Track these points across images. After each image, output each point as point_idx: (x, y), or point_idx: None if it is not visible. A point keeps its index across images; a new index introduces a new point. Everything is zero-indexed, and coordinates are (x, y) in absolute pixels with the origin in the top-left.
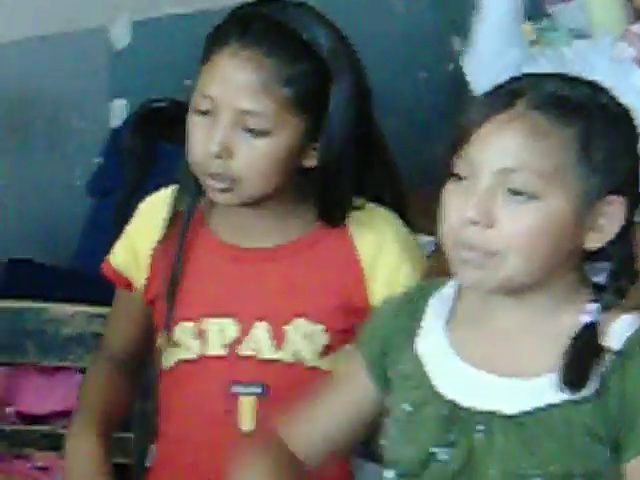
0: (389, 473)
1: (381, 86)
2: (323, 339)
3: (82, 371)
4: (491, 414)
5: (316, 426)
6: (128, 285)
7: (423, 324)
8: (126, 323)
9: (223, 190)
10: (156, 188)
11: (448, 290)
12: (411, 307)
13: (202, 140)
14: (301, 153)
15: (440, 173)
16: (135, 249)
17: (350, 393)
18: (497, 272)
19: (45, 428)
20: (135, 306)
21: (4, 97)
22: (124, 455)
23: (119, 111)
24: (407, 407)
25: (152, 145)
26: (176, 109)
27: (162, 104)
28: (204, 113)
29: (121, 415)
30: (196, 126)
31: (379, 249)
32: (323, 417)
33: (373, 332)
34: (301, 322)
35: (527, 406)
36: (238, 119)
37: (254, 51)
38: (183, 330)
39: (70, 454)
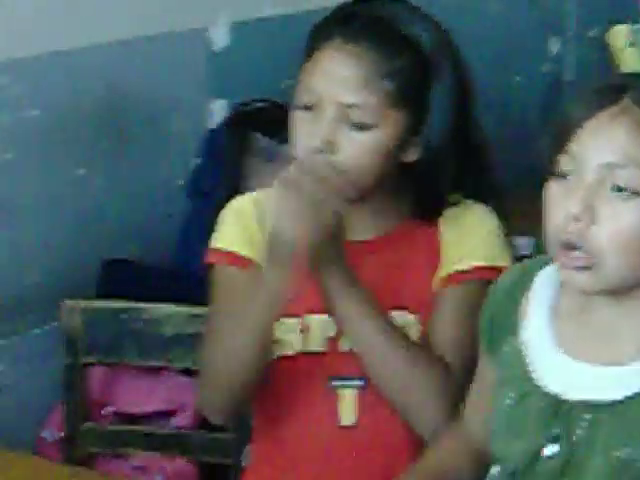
0: (494, 469)
1: (476, 87)
2: (417, 330)
3: (181, 371)
4: (595, 405)
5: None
6: (245, 263)
7: (529, 308)
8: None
9: None
10: (253, 188)
11: (554, 271)
12: (522, 284)
13: (306, 135)
14: (402, 147)
15: (537, 174)
16: (254, 238)
17: (483, 380)
18: (599, 275)
19: (144, 428)
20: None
21: (104, 98)
22: (223, 456)
23: (218, 112)
24: (509, 399)
25: (247, 144)
26: (273, 109)
27: (259, 104)
28: (307, 108)
29: None
30: (300, 121)
31: (462, 245)
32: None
33: (486, 312)
34: (397, 314)
35: (629, 391)
36: (341, 113)
37: (356, 46)
38: (286, 326)
39: None
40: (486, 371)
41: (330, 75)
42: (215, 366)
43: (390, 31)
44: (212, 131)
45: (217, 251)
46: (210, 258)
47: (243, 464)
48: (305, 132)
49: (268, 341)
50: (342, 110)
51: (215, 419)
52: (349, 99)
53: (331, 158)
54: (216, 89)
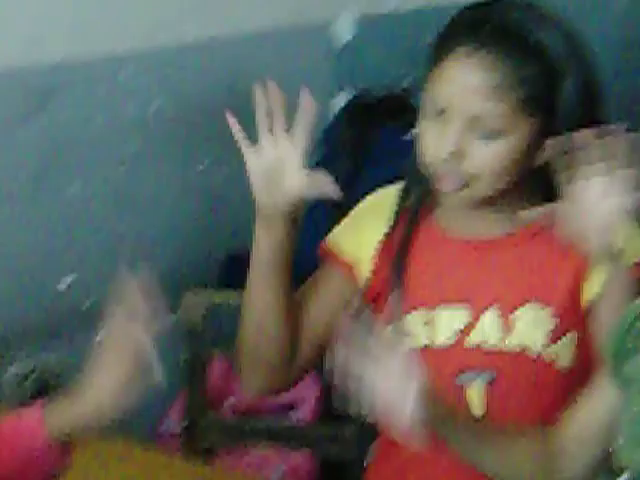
0: (622, 477)
1: (603, 89)
2: (550, 324)
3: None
4: None
5: None
6: (348, 269)
7: None
8: (318, 306)
9: (456, 191)
10: (371, 179)
11: None
12: None
13: (434, 142)
14: (531, 152)
15: None
16: (362, 239)
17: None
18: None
19: (264, 422)
20: (336, 292)
21: (229, 90)
22: (343, 451)
23: (340, 106)
24: (636, 407)
25: (365, 135)
26: (392, 100)
27: (378, 95)
28: (436, 116)
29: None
30: (428, 128)
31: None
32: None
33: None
34: (530, 307)
35: None
36: (470, 122)
37: (485, 54)
38: (413, 320)
39: None
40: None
41: (459, 85)
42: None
43: (519, 38)
44: (332, 123)
45: (325, 244)
46: (323, 252)
47: (365, 462)
48: (433, 139)
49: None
50: (471, 119)
51: (252, 395)
52: (478, 109)
53: (460, 165)
54: (340, 83)
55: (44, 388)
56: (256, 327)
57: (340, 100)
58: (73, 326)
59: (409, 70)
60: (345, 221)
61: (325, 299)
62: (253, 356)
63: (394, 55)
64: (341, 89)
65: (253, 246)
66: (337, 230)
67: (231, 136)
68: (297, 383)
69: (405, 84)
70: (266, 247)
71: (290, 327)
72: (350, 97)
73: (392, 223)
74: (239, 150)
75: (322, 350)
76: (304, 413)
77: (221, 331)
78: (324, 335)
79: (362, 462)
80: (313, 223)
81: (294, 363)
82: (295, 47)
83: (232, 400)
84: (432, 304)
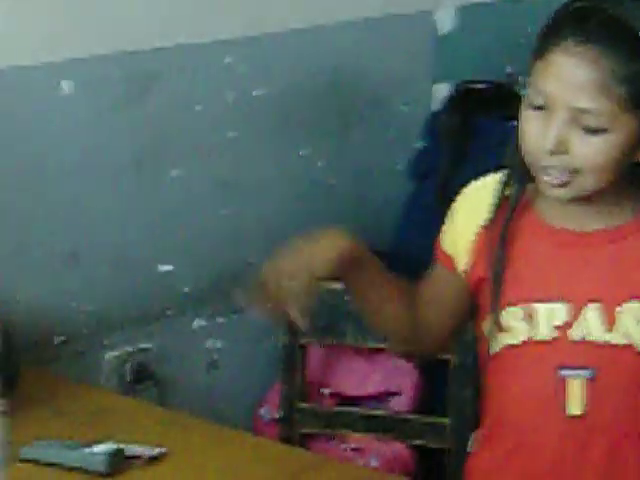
0: None
1: None
2: None
3: (400, 355)
4: None
5: None
6: (449, 261)
7: None
8: (429, 304)
9: (559, 185)
10: (474, 168)
11: None
12: None
13: (536, 135)
14: (636, 149)
15: None
16: (458, 231)
17: None
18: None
19: (361, 410)
20: (445, 287)
21: (330, 78)
22: (440, 441)
23: (442, 95)
24: None
25: (468, 124)
26: (495, 90)
27: (481, 85)
28: (538, 108)
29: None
30: (530, 121)
31: None
32: None
33: None
34: (634, 303)
35: None
36: (574, 117)
37: (591, 49)
38: (511, 315)
39: None
40: None
41: (563, 79)
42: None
43: (626, 32)
44: (435, 113)
45: (439, 245)
46: (435, 249)
47: (468, 449)
48: (535, 132)
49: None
50: (575, 114)
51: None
52: (583, 104)
53: (562, 158)
54: (441, 72)
55: (143, 373)
56: (388, 333)
57: (441, 88)
58: (171, 311)
59: (509, 60)
60: (448, 213)
61: (438, 293)
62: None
63: (494, 45)
64: (442, 78)
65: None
66: (444, 227)
67: (331, 125)
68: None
69: (506, 74)
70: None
71: (417, 318)
72: (451, 86)
73: (491, 215)
74: (340, 136)
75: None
76: (402, 402)
77: (318, 319)
78: (452, 325)
79: (459, 452)
80: (420, 210)
81: (431, 340)
82: (398, 35)
83: (330, 388)
84: (531, 299)
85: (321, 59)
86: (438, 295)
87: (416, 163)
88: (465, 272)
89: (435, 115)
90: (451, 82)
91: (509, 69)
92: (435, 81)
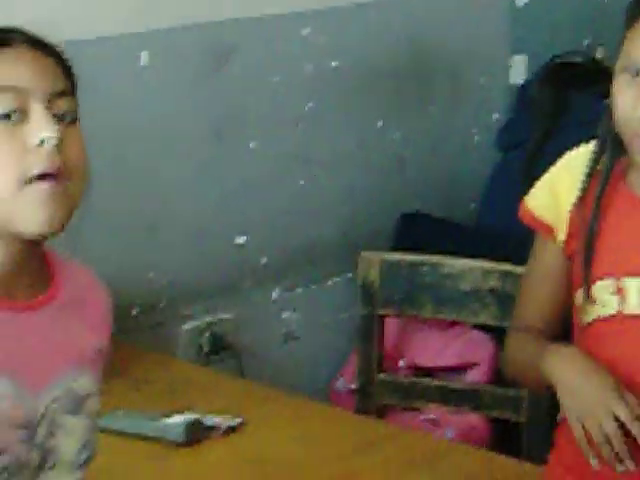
0: None
1: None
2: None
3: (476, 327)
4: None
5: None
6: (549, 231)
7: None
8: (544, 282)
9: None
10: (564, 142)
11: None
12: None
13: (629, 101)
14: None
15: None
16: (557, 200)
17: None
18: None
19: (437, 382)
20: (554, 259)
21: (406, 50)
22: (516, 413)
23: (519, 67)
24: None
25: (561, 98)
26: (588, 65)
27: (574, 58)
28: (630, 76)
29: None
30: (623, 87)
31: None
32: None
33: None
34: None
35: None
36: None
37: None
38: (602, 288)
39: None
40: None
41: None
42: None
43: None
44: (525, 84)
45: (527, 211)
46: (523, 216)
47: (558, 419)
48: (629, 98)
49: None
50: None
51: (510, 380)
52: None
53: None
54: (517, 44)
55: (220, 344)
56: None
57: (519, 60)
58: (249, 283)
59: (588, 32)
60: (540, 184)
61: (549, 266)
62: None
63: (571, 16)
64: (520, 50)
65: None
66: (534, 193)
67: (407, 96)
68: None
69: (585, 45)
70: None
71: None
72: (528, 58)
73: (584, 186)
74: (417, 109)
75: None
76: (478, 374)
77: (396, 291)
78: (563, 301)
79: (535, 424)
80: (505, 182)
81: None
82: (476, 7)
83: (406, 359)
84: (622, 272)
85: (399, 31)
86: (549, 268)
87: (504, 133)
88: (562, 242)
89: (526, 86)
90: (529, 54)
91: (587, 41)
92: (513, 53)
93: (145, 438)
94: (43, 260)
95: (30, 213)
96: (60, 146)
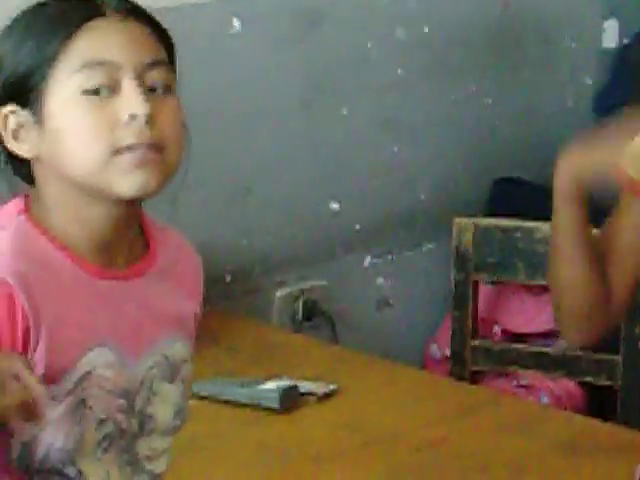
0: None
1: None
2: None
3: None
4: None
5: None
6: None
7: None
8: (630, 235)
9: None
10: None
11: None
12: None
13: None
14: None
15: None
16: None
17: None
18: None
19: (531, 348)
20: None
21: (498, 15)
22: (611, 378)
23: (611, 32)
24: None
25: None
26: None
27: None
28: None
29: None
30: None
31: None
32: None
33: None
34: None
35: None
36: None
37: None
38: None
39: None
40: None
41: None
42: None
43: None
44: (624, 47)
45: (624, 173)
46: (619, 177)
47: None
48: None
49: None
50: None
51: (570, 343)
52: None
53: None
54: (610, 9)
55: (314, 310)
56: (569, 287)
57: (609, 25)
58: (341, 249)
59: None
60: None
61: (628, 227)
62: (571, 313)
63: None
64: (610, 15)
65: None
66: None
67: (499, 62)
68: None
69: None
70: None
71: (598, 274)
72: (619, 23)
73: None
74: (508, 74)
75: (634, 287)
76: None
77: (490, 256)
78: (634, 269)
79: (630, 389)
80: None
81: (610, 308)
82: None
83: (499, 325)
84: None
85: None
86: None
87: (601, 98)
88: None
89: (625, 48)
90: (621, 18)
91: None
92: (605, 18)
93: (240, 405)
94: (141, 227)
95: (123, 179)
96: (151, 120)
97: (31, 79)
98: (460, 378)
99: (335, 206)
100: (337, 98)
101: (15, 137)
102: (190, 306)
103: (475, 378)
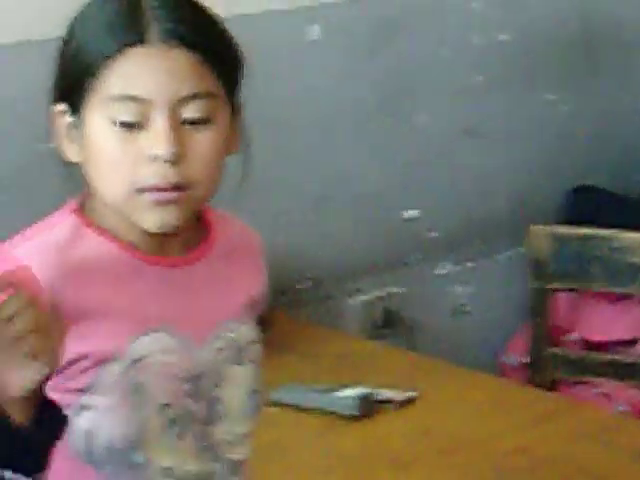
0: None
1: None
2: None
3: None
4: None
5: None
6: None
7: None
8: None
9: None
10: None
11: None
12: None
13: None
14: None
15: None
16: None
17: None
18: None
19: (609, 356)
20: None
21: (576, 23)
22: None
23: None
24: None
25: None
26: None
27: None
28: None
29: None
30: None
31: None
32: None
33: None
34: None
35: None
36: None
37: None
38: None
39: None
40: None
41: None
42: None
43: None
44: None
45: None
46: None
47: None
48: None
49: None
50: None
51: None
52: None
53: None
54: None
55: (390, 317)
56: None
57: None
58: (418, 257)
59: None
60: None
61: None
62: None
63: None
64: None
65: None
66: None
67: (577, 70)
68: None
69: None
70: None
71: None
72: None
73: None
74: (587, 82)
75: None
76: None
77: (566, 264)
78: None
79: None
80: None
81: None
82: None
83: (576, 334)
84: None
85: (569, 4)
86: None
87: None
88: None
89: None
90: None
91: None
92: None
93: (317, 411)
94: (198, 218)
95: (146, 215)
96: (178, 157)
97: (78, 88)
98: (537, 386)
99: (412, 213)
100: (414, 105)
101: (66, 136)
102: (253, 288)
103: (552, 386)
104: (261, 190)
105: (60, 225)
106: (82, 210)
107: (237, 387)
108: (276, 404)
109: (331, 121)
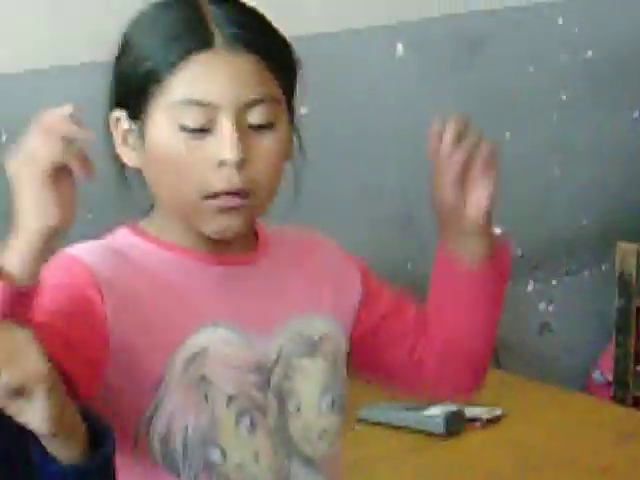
0: None
1: None
2: None
3: None
4: None
5: None
6: None
7: None
8: None
9: None
10: None
11: None
12: None
13: None
14: None
15: None
16: None
17: None
18: None
19: None
20: None
21: None
22: None
23: None
24: None
25: None
26: None
27: None
28: None
29: None
30: None
31: None
32: None
33: None
34: None
35: None
36: None
37: None
38: None
39: None
40: None
41: None
42: None
43: None
44: None
45: None
46: None
47: None
48: None
49: None
50: None
51: None
52: None
53: None
54: None
55: None
56: None
57: None
58: None
59: None
60: None
61: None
62: None
63: None
64: None
65: None
66: None
67: None
68: None
69: None
70: None
71: None
72: None
73: None
74: None
75: None
76: None
77: None
78: None
79: None
80: None
81: None
82: None
83: None
84: None
85: None
86: None
87: None
88: None
89: None
90: None
91: None
92: None
93: (404, 429)
94: (253, 230)
95: (207, 222)
96: (242, 163)
97: (140, 94)
98: (622, 403)
99: (497, 230)
100: (500, 123)
101: (124, 142)
102: (327, 287)
103: (638, 404)
104: (351, 205)
105: (111, 235)
106: (135, 225)
107: (308, 380)
108: (363, 422)
109: (418, 138)
